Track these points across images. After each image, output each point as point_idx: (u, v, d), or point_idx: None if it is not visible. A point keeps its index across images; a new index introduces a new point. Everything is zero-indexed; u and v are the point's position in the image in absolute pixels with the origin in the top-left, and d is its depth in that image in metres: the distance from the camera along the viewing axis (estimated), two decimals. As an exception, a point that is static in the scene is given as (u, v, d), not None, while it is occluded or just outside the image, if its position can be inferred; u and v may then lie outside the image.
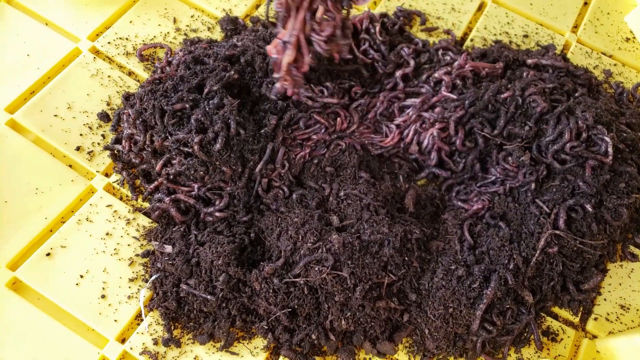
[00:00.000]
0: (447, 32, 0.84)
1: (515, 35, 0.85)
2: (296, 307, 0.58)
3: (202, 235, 0.62)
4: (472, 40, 0.84)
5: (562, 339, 0.63)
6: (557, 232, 0.64)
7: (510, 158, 0.69)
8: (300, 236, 0.60)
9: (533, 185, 0.67)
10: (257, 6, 0.84)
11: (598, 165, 0.67)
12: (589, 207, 0.65)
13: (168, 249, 0.61)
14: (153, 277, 0.60)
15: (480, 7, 0.88)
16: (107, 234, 0.64)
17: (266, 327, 0.59)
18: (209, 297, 0.58)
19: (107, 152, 0.68)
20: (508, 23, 0.86)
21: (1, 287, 0.59)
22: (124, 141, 0.66)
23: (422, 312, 0.61)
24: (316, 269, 0.58)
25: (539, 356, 0.62)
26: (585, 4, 0.90)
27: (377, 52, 0.77)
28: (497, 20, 0.86)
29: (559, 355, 0.62)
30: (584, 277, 0.66)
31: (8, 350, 0.56)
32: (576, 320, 0.65)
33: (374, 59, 0.76)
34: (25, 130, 0.69)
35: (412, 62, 0.76)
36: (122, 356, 0.58)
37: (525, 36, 0.85)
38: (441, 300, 0.60)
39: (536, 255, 0.63)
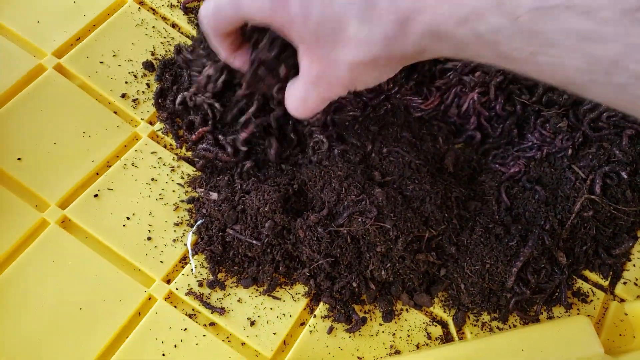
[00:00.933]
0: None
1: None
2: (338, 255, 0.60)
3: (246, 184, 0.64)
4: None
5: (591, 301, 0.65)
6: (593, 197, 0.65)
7: (547, 124, 0.70)
8: (343, 188, 0.61)
9: (570, 151, 0.69)
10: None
11: (635, 133, 0.68)
12: (624, 175, 0.66)
13: (214, 196, 0.62)
14: (199, 222, 0.62)
15: None
16: (152, 179, 0.65)
17: (308, 274, 0.61)
18: (254, 242, 0.60)
19: (152, 100, 0.69)
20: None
21: (52, 225, 0.60)
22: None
23: (459, 268, 0.63)
24: (359, 219, 0.59)
25: (569, 315, 0.64)
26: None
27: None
28: None
29: (589, 315, 0.64)
30: (615, 242, 0.68)
31: (60, 286, 0.58)
32: (606, 283, 0.67)
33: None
34: (72, 75, 0.69)
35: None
36: (168, 295, 0.60)
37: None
38: (479, 257, 0.62)
39: (571, 217, 0.64)
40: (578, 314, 0.64)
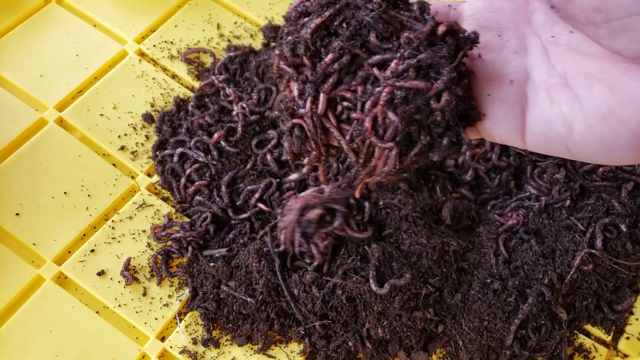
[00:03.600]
0: None
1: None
2: (334, 315, 0.59)
3: (242, 239, 0.63)
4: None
5: (594, 357, 0.64)
6: (593, 251, 0.64)
7: (545, 175, 0.70)
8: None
9: (568, 202, 0.68)
10: (297, 15, 0.85)
11: (634, 185, 0.68)
12: (623, 227, 0.65)
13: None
14: (184, 294, 0.62)
15: None
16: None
17: (303, 332, 0.60)
18: (248, 299, 0.59)
19: (150, 153, 0.70)
20: None
21: (47, 281, 0.61)
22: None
23: (457, 324, 0.62)
24: (354, 278, 0.59)
25: (571, 373, 0.62)
26: None
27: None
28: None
29: (591, 373, 0.63)
30: (617, 296, 0.66)
31: (54, 343, 0.57)
32: (608, 339, 0.65)
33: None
34: (72, 128, 0.71)
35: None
36: (162, 354, 0.59)
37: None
38: (477, 313, 0.61)
39: (571, 272, 0.63)
40: (580, 371, 0.63)
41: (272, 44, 0.47)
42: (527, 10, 0.40)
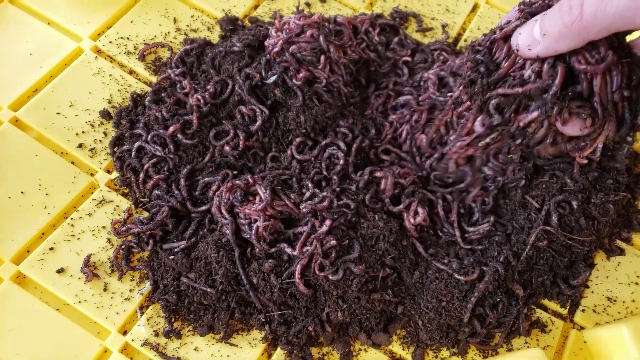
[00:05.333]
0: (444, 26, 0.86)
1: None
2: (293, 302, 0.60)
3: (202, 230, 0.64)
4: (465, 40, 0.86)
5: (550, 330, 0.65)
6: (548, 228, 0.66)
7: (500, 155, 0.71)
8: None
9: (523, 182, 0.69)
10: (256, 7, 0.85)
11: (586, 162, 0.69)
12: (575, 204, 0.67)
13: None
14: (145, 288, 0.62)
15: (474, 8, 0.90)
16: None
17: (263, 320, 0.61)
18: (208, 289, 0.60)
19: (109, 149, 0.70)
20: (500, 24, 0.88)
21: (6, 281, 0.60)
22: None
23: (416, 305, 0.63)
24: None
25: (528, 346, 0.64)
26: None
27: (373, 52, 0.79)
28: (490, 21, 0.88)
29: (548, 346, 0.64)
30: (572, 271, 0.68)
31: (14, 342, 0.58)
32: (564, 312, 0.67)
33: (370, 59, 0.78)
34: (28, 128, 0.70)
35: (405, 70, 0.78)
36: (124, 347, 0.60)
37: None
38: (434, 293, 0.62)
39: (527, 249, 0.65)
40: (537, 344, 0.64)
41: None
42: None
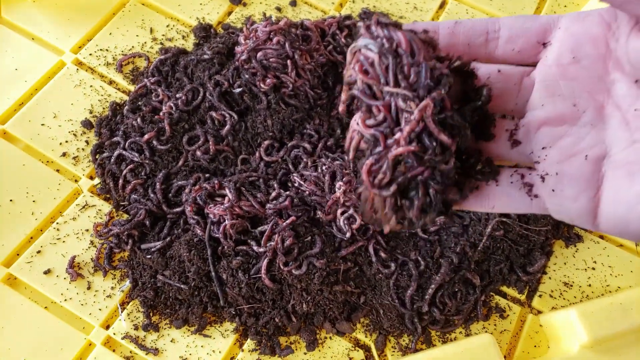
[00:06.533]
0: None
1: (474, 31, 0.89)
2: (260, 296, 0.65)
3: (177, 230, 0.69)
4: (432, 38, 0.88)
5: (508, 315, 0.69)
6: (504, 219, 0.69)
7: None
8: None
9: (482, 175, 0.73)
10: (229, 13, 0.89)
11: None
12: (533, 194, 0.70)
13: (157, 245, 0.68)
14: (125, 286, 0.67)
15: (442, 5, 0.93)
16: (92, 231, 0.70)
17: (234, 312, 0.65)
18: (182, 286, 0.65)
19: (91, 157, 0.75)
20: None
21: (-2, 282, 0.66)
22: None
23: (377, 295, 0.67)
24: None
25: (486, 331, 0.68)
26: (543, -2, 0.94)
27: (340, 55, 0.82)
28: (458, 17, 0.91)
29: (505, 330, 0.68)
30: (529, 259, 0.72)
31: (6, 338, 0.63)
32: (522, 297, 0.71)
33: (337, 61, 0.81)
34: (16, 139, 0.75)
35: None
36: (107, 340, 0.65)
37: (484, 32, 0.89)
38: (392, 285, 0.66)
39: (483, 240, 0.68)
40: (495, 329, 0.68)
41: None
42: (606, 80, 0.36)
